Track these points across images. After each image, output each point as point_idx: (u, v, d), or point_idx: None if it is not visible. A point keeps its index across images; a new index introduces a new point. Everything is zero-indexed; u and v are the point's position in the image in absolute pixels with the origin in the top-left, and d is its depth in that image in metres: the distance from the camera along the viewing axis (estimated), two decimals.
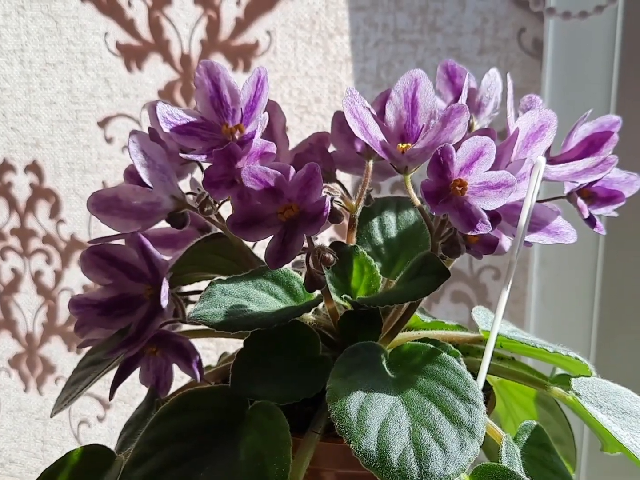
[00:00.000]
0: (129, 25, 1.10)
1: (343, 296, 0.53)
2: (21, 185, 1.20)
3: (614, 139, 0.52)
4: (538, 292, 1.02)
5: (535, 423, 0.52)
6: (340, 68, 1.04)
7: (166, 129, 0.52)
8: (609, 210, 0.53)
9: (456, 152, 0.45)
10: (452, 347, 0.51)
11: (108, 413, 1.26)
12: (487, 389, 0.57)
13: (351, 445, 0.43)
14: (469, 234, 0.46)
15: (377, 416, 0.44)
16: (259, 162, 0.50)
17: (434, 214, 0.47)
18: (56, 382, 1.27)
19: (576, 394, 0.52)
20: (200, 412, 0.48)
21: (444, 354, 0.48)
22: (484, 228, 0.45)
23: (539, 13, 0.94)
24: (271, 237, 0.47)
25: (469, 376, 0.47)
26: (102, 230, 1.17)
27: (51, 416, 0.56)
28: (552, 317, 1.03)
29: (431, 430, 0.43)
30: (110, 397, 0.56)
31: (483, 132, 0.55)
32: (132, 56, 1.10)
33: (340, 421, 0.44)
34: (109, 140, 1.15)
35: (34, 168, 1.19)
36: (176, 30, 1.08)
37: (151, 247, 0.55)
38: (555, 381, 0.55)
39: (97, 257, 0.55)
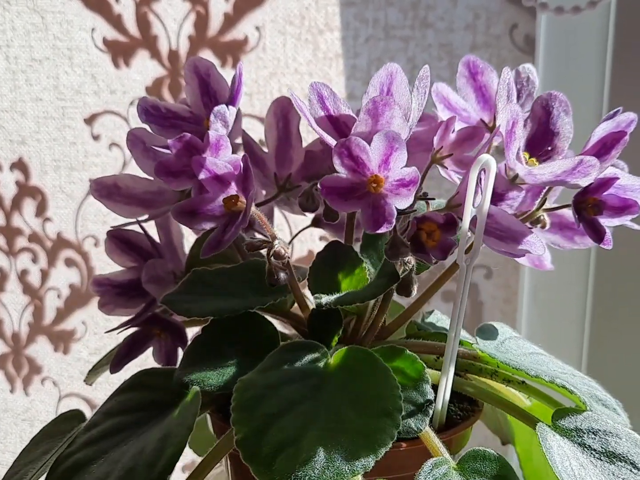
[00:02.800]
0: (116, 21, 1.08)
1: (316, 296, 0.52)
2: (7, 182, 1.19)
3: (625, 140, 0.47)
4: (530, 291, 1.01)
5: (490, 452, 0.46)
6: (330, 64, 1.03)
7: (145, 121, 0.53)
8: (623, 222, 0.48)
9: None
10: (416, 358, 0.49)
11: None
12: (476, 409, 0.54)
13: (234, 432, 0.43)
14: (377, 232, 0.45)
15: (270, 412, 0.43)
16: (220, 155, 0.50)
17: (338, 210, 0.46)
18: (42, 383, 1.26)
19: (556, 428, 0.47)
20: (149, 391, 0.51)
21: (380, 362, 0.46)
22: (386, 228, 0.44)
23: (532, 9, 0.94)
24: (215, 227, 0.48)
25: (393, 385, 0.44)
26: (89, 229, 1.17)
27: None
28: (544, 316, 1.02)
29: (324, 435, 0.42)
30: (116, 370, 0.58)
31: (471, 129, 0.53)
32: (120, 52, 1.09)
33: (233, 412, 0.44)
34: (95, 138, 1.13)
35: (19, 165, 1.18)
36: (164, 26, 1.07)
37: (172, 235, 0.59)
38: (560, 414, 0.49)
39: (116, 240, 0.59)
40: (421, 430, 0.46)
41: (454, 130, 0.52)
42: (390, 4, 0.99)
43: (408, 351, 0.49)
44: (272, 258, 0.49)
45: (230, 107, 0.51)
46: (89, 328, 1.21)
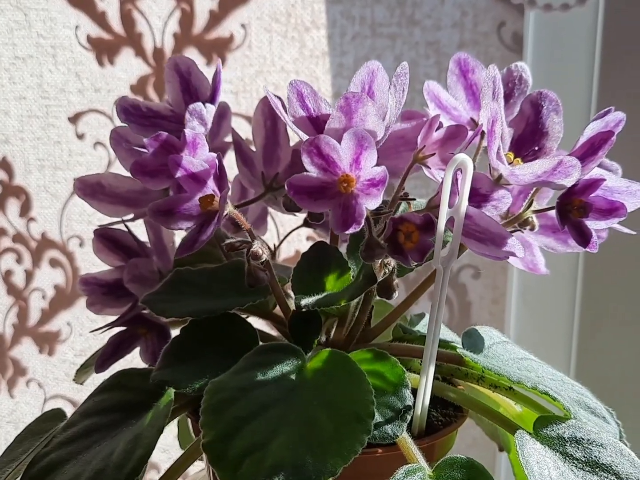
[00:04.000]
0: (100, 18, 1.07)
1: (297, 297, 0.52)
2: None
3: (612, 140, 0.46)
4: (518, 292, 1.00)
5: (467, 460, 0.45)
6: (317, 62, 1.02)
7: (124, 120, 0.53)
8: (610, 224, 0.47)
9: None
10: (396, 362, 0.48)
11: None
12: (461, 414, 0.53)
13: (202, 435, 0.42)
14: (346, 232, 0.44)
15: (239, 415, 0.42)
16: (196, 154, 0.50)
17: (308, 210, 0.45)
18: (27, 385, 1.25)
19: (537, 436, 0.45)
20: (125, 391, 0.51)
21: (355, 366, 0.46)
22: (354, 228, 0.43)
23: (520, 6, 0.93)
24: (192, 226, 0.48)
25: (366, 390, 0.44)
26: (74, 229, 1.16)
27: None
28: (533, 317, 1.01)
29: (293, 440, 0.41)
30: (101, 370, 0.58)
31: (454, 128, 0.52)
32: (104, 50, 1.08)
33: (202, 415, 0.43)
34: (80, 137, 1.12)
35: (3, 165, 1.16)
36: (149, 23, 1.06)
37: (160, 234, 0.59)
38: (542, 422, 0.47)
39: (103, 239, 0.59)
40: (397, 436, 0.45)
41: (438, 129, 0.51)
42: (376, 2, 0.99)
43: (389, 355, 0.48)
44: (250, 259, 0.49)
45: (207, 104, 0.50)
46: (74, 329, 1.20)
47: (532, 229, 0.50)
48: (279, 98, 0.50)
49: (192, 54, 1.05)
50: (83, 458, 0.46)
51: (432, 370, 0.48)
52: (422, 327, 0.58)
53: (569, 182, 0.45)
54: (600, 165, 0.53)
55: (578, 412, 0.48)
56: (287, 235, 0.69)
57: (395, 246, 0.45)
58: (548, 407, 0.50)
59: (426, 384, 0.48)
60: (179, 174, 0.47)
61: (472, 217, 0.45)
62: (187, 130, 0.48)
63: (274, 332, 0.60)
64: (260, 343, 0.51)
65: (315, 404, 0.43)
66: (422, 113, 0.55)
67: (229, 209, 0.49)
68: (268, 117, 0.59)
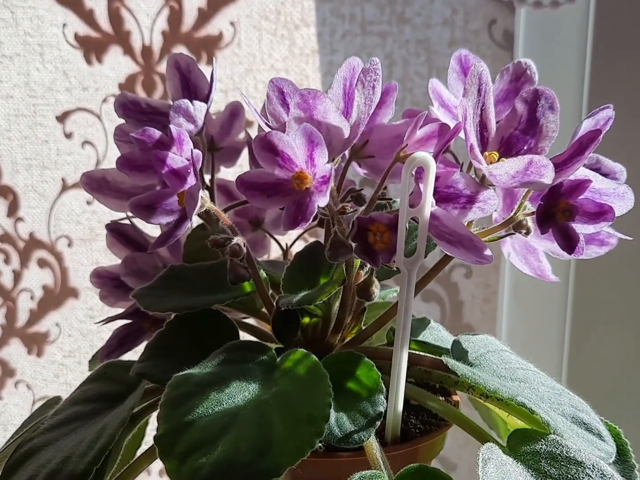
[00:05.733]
0: (87, 16, 1.06)
1: (280, 296, 0.52)
2: None
3: (599, 140, 0.44)
4: (510, 291, 1.00)
5: (434, 470, 0.43)
6: (307, 61, 1.02)
7: (122, 115, 0.54)
8: (599, 229, 0.45)
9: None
10: (372, 366, 0.47)
11: None
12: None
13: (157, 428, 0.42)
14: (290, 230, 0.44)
15: (193, 411, 0.42)
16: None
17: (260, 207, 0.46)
18: (16, 386, 1.24)
19: (510, 450, 0.43)
20: (109, 382, 0.53)
21: (320, 368, 0.45)
22: (302, 226, 0.43)
23: (510, 4, 0.92)
24: (173, 221, 0.48)
25: (324, 392, 0.43)
26: (63, 229, 1.15)
27: None
28: (525, 315, 1.01)
29: (242, 438, 0.40)
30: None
31: (436, 126, 0.50)
32: (92, 48, 1.07)
33: (160, 408, 0.43)
34: (68, 136, 1.11)
35: None
36: (137, 21, 1.05)
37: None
38: (518, 435, 0.45)
39: (114, 234, 0.61)
40: (363, 441, 0.44)
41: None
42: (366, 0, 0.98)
43: (365, 358, 0.48)
44: (229, 255, 0.49)
45: (195, 102, 0.52)
46: (63, 330, 1.19)
47: (526, 233, 0.48)
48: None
49: (180, 51, 1.03)
50: (58, 444, 0.47)
51: (402, 376, 0.46)
52: (421, 331, 0.57)
53: (545, 183, 0.44)
54: (603, 167, 0.52)
55: (565, 427, 0.45)
56: (300, 235, 0.68)
57: (364, 246, 0.44)
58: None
59: (397, 390, 0.46)
60: (161, 169, 0.47)
61: (439, 218, 0.44)
62: (172, 127, 0.48)
63: (267, 329, 0.59)
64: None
65: (271, 404, 0.43)
66: (423, 112, 0.54)
67: (208, 205, 0.49)
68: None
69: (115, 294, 0.61)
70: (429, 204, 0.44)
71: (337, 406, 0.45)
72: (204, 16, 1.03)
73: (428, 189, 0.43)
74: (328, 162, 0.44)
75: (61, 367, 1.21)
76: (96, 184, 0.57)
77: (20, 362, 1.22)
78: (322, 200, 0.43)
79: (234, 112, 0.61)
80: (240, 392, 0.44)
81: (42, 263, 1.17)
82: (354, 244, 0.46)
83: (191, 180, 0.48)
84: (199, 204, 0.48)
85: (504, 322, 1.01)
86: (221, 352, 0.48)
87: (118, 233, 0.61)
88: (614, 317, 0.97)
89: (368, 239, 0.44)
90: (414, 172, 0.45)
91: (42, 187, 1.14)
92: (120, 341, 0.59)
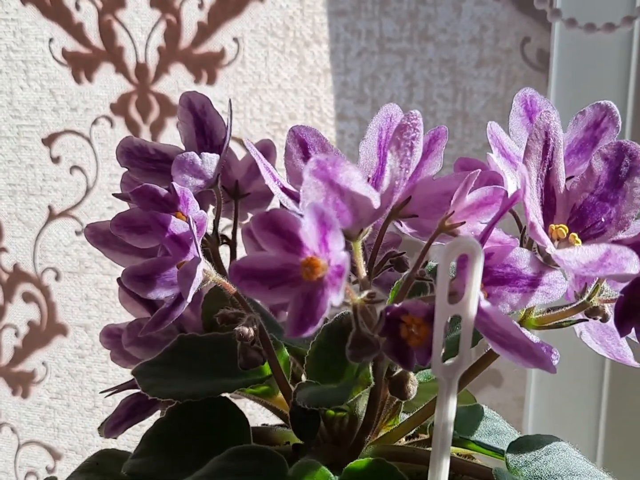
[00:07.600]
0: (76, 31, 1.03)
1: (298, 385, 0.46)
2: None
3: None
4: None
5: None
6: (318, 81, 0.97)
7: (126, 164, 0.51)
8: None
9: None
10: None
11: (58, 464, 1.19)
12: None
13: None
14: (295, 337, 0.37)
15: None
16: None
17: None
18: (0, 430, 1.18)
19: None
20: (102, 476, 0.49)
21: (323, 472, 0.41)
22: (311, 331, 0.35)
23: (545, 21, 0.85)
24: (172, 296, 0.44)
25: None
26: (50, 261, 1.10)
27: None
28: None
29: None
30: (111, 435, 0.54)
31: (490, 191, 0.43)
32: (81, 65, 1.04)
33: None
34: (55, 160, 1.08)
35: None
36: (130, 36, 1.01)
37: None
38: None
39: (127, 289, 0.55)
40: None
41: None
42: (385, 14, 0.93)
43: (389, 467, 0.41)
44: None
45: (204, 154, 0.49)
46: (51, 370, 1.15)
47: (603, 320, 0.41)
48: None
49: (178, 70, 1.00)
50: None
51: None
52: (473, 424, 0.49)
53: (629, 274, 0.36)
54: None
55: None
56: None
57: (395, 342, 0.36)
58: None
59: None
60: (162, 234, 0.43)
61: (488, 315, 0.36)
62: (175, 185, 0.45)
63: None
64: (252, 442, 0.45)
65: None
66: (480, 162, 0.47)
67: (213, 278, 0.44)
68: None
69: (128, 357, 0.56)
70: (474, 300, 0.35)
71: None
72: (205, 31, 0.99)
73: (474, 282, 0.35)
74: (346, 246, 0.36)
75: (48, 409, 1.18)
76: (102, 237, 0.53)
77: (4, 403, 1.20)
78: (335, 298, 0.36)
79: (264, 152, 0.55)
80: None
81: (27, 297, 1.15)
82: (381, 339, 0.37)
83: (191, 254, 0.43)
84: (198, 281, 0.42)
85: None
86: (222, 459, 0.42)
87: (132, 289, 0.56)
88: None
89: (400, 333, 0.37)
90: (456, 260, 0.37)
91: (27, 215, 1.12)
92: (129, 412, 0.53)
